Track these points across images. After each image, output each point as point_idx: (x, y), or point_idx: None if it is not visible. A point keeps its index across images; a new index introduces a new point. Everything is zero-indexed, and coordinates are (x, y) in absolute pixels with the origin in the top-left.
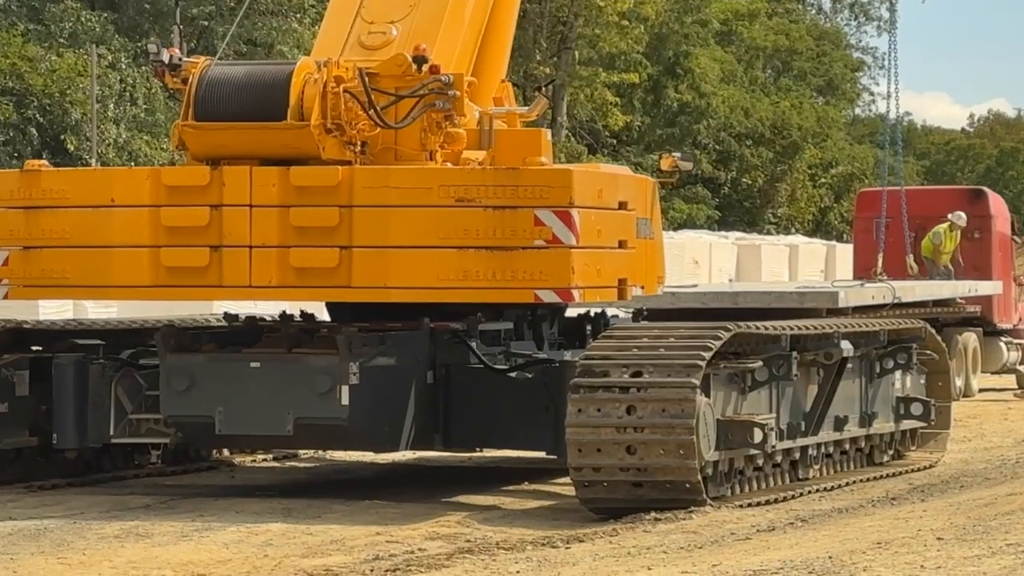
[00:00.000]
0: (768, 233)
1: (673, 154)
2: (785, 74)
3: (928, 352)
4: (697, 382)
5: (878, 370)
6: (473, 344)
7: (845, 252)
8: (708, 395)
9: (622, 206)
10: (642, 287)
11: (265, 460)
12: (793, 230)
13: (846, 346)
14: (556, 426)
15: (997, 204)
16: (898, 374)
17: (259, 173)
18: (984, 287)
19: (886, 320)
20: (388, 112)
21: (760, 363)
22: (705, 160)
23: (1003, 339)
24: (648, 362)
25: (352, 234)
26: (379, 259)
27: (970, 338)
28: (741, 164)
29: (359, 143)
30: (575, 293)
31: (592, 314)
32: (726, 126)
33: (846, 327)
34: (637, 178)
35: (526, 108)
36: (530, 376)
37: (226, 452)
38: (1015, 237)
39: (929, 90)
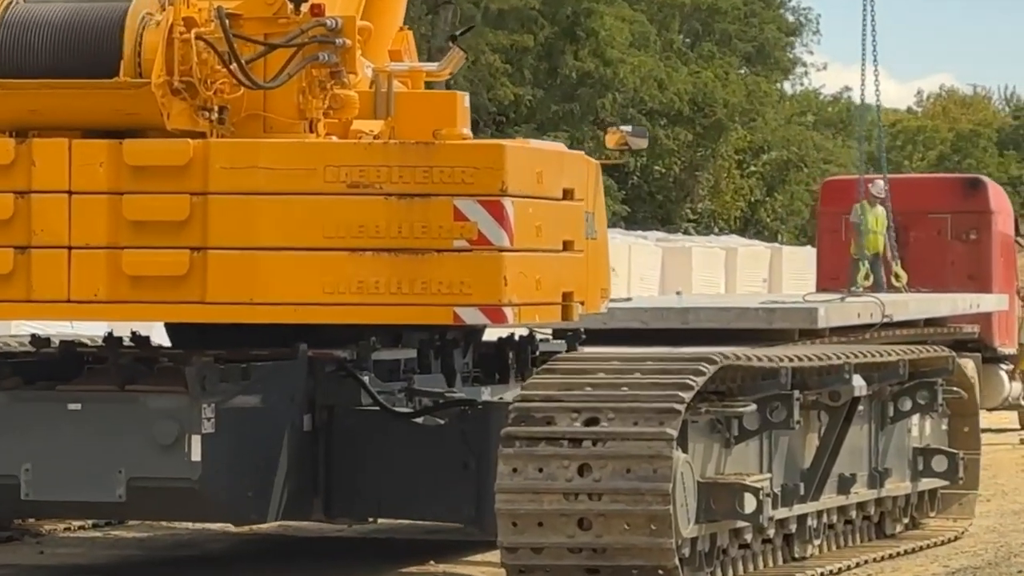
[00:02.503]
0: (686, 232)
1: (621, 128)
2: (706, 38)
3: (955, 390)
4: (674, 432)
5: (892, 413)
6: (365, 378)
7: (793, 257)
8: (686, 449)
9: (568, 195)
10: (582, 303)
11: (84, 528)
12: (716, 229)
13: (858, 383)
14: (480, 490)
15: (998, 197)
16: (915, 418)
17: (81, 148)
18: (988, 301)
19: (908, 348)
20: (255, 67)
21: (753, 406)
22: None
23: (1004, 367)
24: (607, 405)
25: (207, 231)
26: (243, 265)
27: (967, 366)
28: (654, 148)
29: (216, 108)
30: (508, 312)
31: (517, 337)
32: (636, 101)
33: (859, 357)
34: (583, 158)
35: (435, 64)
36: (442, 422)
37: (32, 519)
38: (1019, 239)
39: (855, 62)
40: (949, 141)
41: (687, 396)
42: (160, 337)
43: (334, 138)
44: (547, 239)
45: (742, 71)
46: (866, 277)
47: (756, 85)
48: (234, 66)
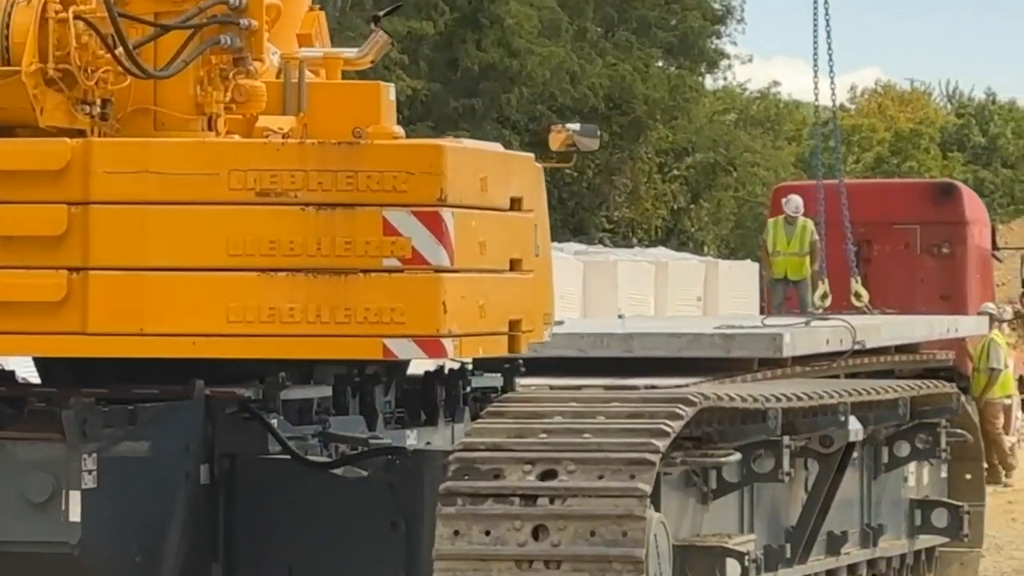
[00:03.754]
0: (601, 243)
1: (568, 127)
2: (623, 26)
3: (959, 432)
4: (647, 488)
5: (887, 459)
6: (273, 421)
7: (730, 273)
8: (659, 507)
9: (515, 205)
10: (531, 331)
11: None
12: (635, 240)
13: (854, 426)
14: (412, 555)
15: (974, 205)
16: (912, 465)
17: None
18: (967, 325)
19: (908, 384)
20: (145, 52)
21: (735, 455)
22: (516, 143)
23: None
24: (567, 455)
25: (88, 248)
26: (130, 288)
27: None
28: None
29: (99, 102)
30: (447, 344)
31: (446, 371)
32: (545, 96)
33: (854, 395)
34: (530, 162)
35: (355, 50)
36: (365, 473)
37: None
38: (996, 253)
39: (780, 55)
40: (887, 142)
41: (662, 444)
42: (28, 373)
43: (237, 137)
44: (492, 257)
45: (663, 63)
46: (823, 297)
47: (679, 79)
48: (120, 51)
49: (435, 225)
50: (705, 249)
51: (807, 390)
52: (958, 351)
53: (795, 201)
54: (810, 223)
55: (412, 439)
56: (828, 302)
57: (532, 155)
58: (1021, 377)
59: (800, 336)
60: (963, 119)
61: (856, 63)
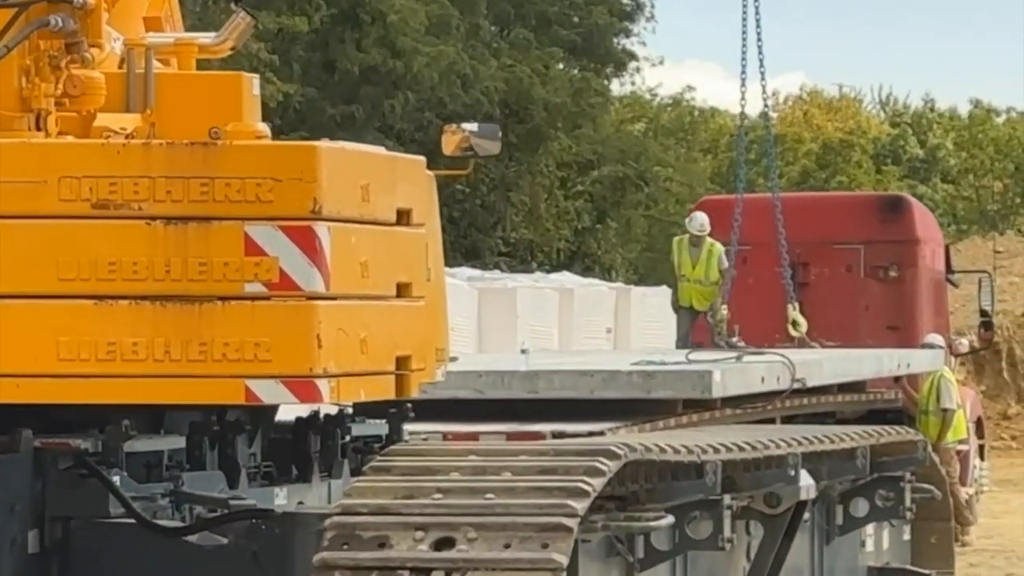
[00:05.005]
0: (497, 268)
1: (464, 127)
2: (520, 23)
3: (925, 487)
4: (564, 559)
5: (841, 520)
6: (115, 478)
7: (644, 301)
8: None
9: (403, 218)
10: (421, 369)
11: None
12: (535, 264)
13: (806, 482)
14: None
15: (925, 222)
16: (871, 527)
17: None
18: (920, 359)
19: (865, 431)
20: None
21: (667, 518)
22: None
23: None
24: (467, 519)
25: None
26: None
27: None
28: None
29: None
30: (323, 387)
31: (322, 418)
32: (433, 102)
33: (805, 444)
34: (420, 167)
35: (212, 35)
36: (225, 541)
37: None
38: (951, 277)
39: (691, 58)
40: (814, 153)
41: (580, 506)
42: None
43: (71, 138)
44: (376, 281)
45: (565, 65)
46: (721, 321)
47: (583, 82)
48: None
49: (307, 242)
50: (613, 274)
51: (750, 439)
52: (901, 390)
53: (699, 219)
54: (718, 247)
55: (281, 499)
56: (724, 326)
57: (423, 159)
58: (979, 420)
59: (731, 374)
60: (898, 129)
61: (778, 67)
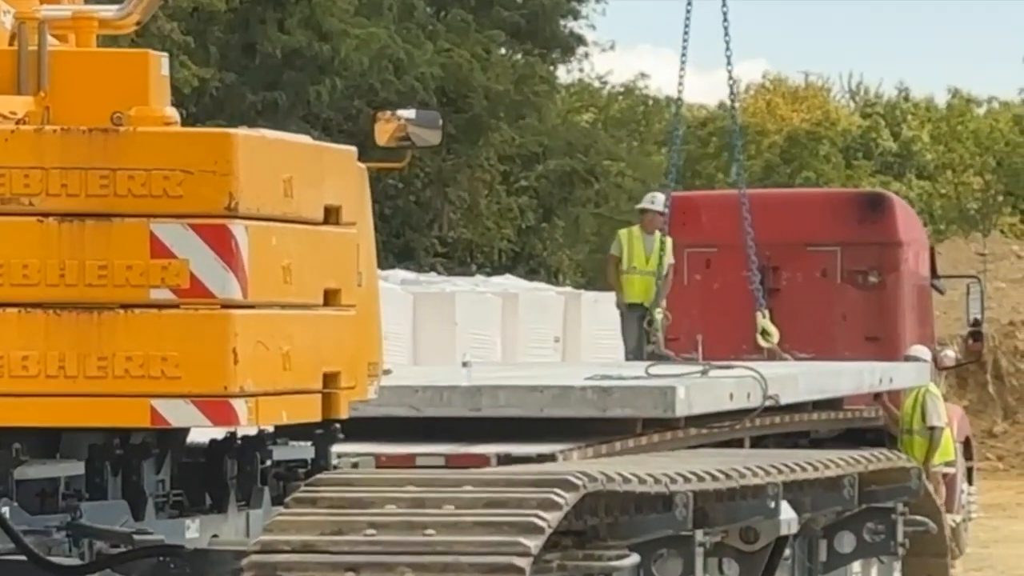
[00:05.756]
0: (433, 271)
1: (399, 114)
2: (459, 4)
3: (919, 519)
4: None
5: (825, 557)
6: (4, 510)
7: (596, 307)
8: None
9: (332, 216)
10: (352, 387)
11: None
12: (474, 266)
13: (787, 515)
14: None
15: (908, 222)
16: (858, 565)
17: None
18: (904, 374)
19: (852, 456)
20: None
21: (632, 557)
22: None
23: None
24: (404, 559)
25: None
26: None
27: None
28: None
29: None
30: (240, 407)
31: (239, 441)
32: (363, 89)
33: (785, 472)
34: (350, 159)
35: (115, 8)
36: None
37: None
38: (936, 283)
39: (644, 43)
40: (778, 146)
41: (534, 544)
42: None
43: None
44: (301, 287)
45: (507, 50)
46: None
47: (528, 68)
48: None
49: (222, 243)
50: (561, 277)
51: (724, 466)
52: (882, 407)
53: (661, 196)
54: (669, 240)
55: (193, 532)
56: (661, 334)
57: (353, 149)
58: (967, 440)
59: (697, 390)
60: (870, 120)
61: (737, 54)
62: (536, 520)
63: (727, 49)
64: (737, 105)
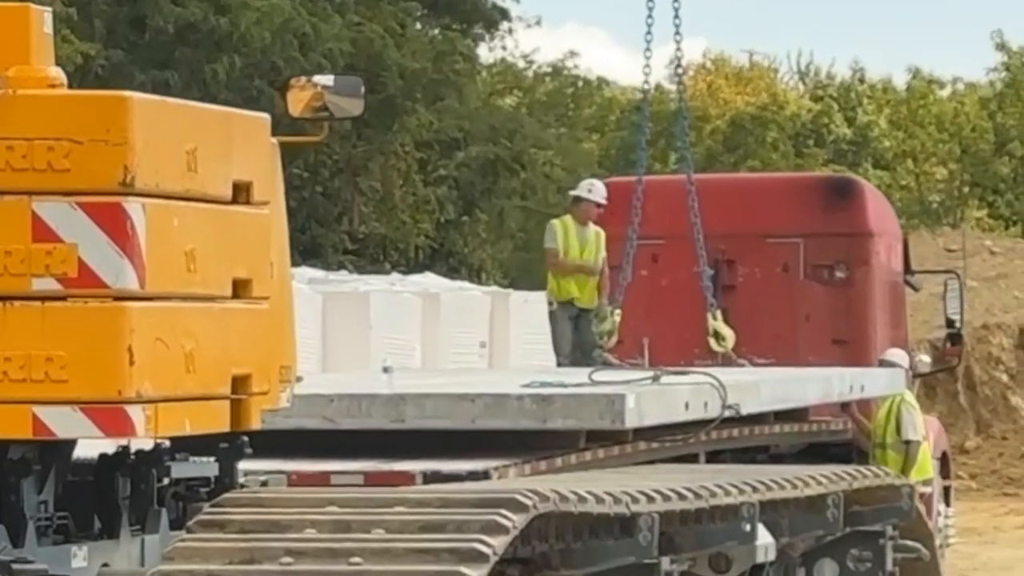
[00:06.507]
0: (343, 268)
1: (316, 80)
2: None
3: (910, 545)
4: None
5: None
6: None
7: (526, 308)
8: None
9: (241, 194)
10: (264, 393)
11: None
12: (388, 264)
13: (764, 539)
14: None
15: (880, 211)
16: None
17: None
18: (877, 381)
19: (834, 472)
20: None
21: None
22: None
23: None
24: None
25: None
26: None
27: None
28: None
29: None
30: (136, 416)
31: (133, 455)
32: (265, 67)
33: (761, 490)
34: (263, 128)
35: None
36: None
37: None
38: (910, 279)
39: (571, 20)
40: (721, 132)
41: (477, 574)
42: None
43: None
44: (206, 276)
45: (424, 25)
46: (609, 334)
47: (447, 44)
48: None
49: (115, 225)
50: (484, 276)
51: (692, 484)
52: (850, 418)
53: (600, 186)
54: (602, 232)
55: (80, 561)
56: (614, 341)
57: (267, 117)
58: (945, 455)
59: (649, 399)
60: (821, 104)
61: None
62: (479, 546)
63: (676, 17)
64: (684, 80)
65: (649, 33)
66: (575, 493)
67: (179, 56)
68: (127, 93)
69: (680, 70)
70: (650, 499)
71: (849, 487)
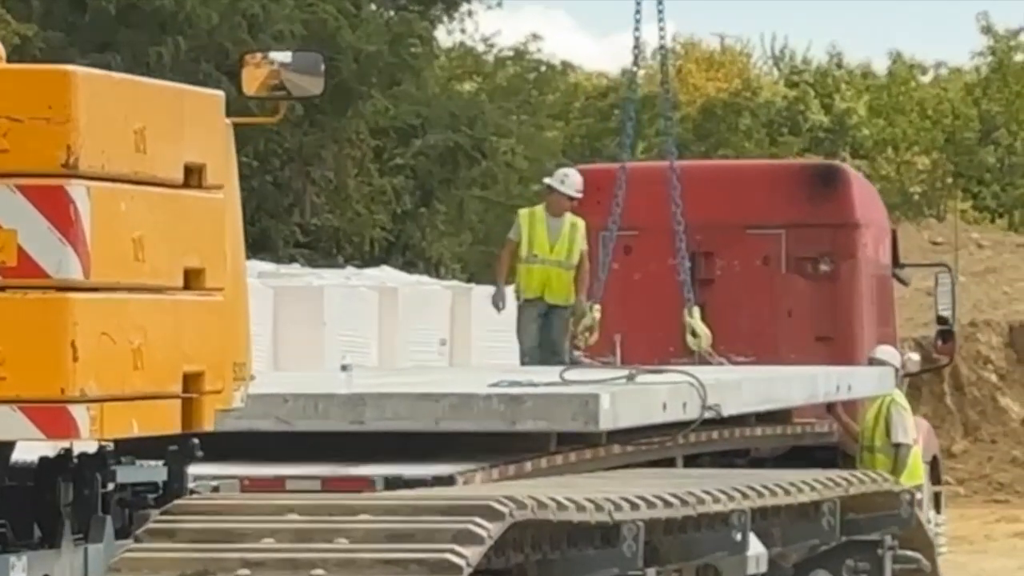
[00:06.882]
0: (293, 262)
1: (270, 58)
2: None
3: (909, 555)
4: None
5: None
6: None
7: (489, 304)
8: None
9: (194, 177)
10: (218, 392)
11: None
12: (341, 258)
13: (756, 549)
14: None
15: (866, 200)
16: None
17: None
18: (865, 380)
19: (831, 477)
20: None
21: None
22: None
23: None
24: None
25: None
26: None
27: None
28: (237, 131)
29: None
30: (79, 417)
31: (76, 458)
32: (212, 50)
33: (752, 496)
34: (216, 105)
35: None
36: None
37: None
38: (899, 272)
39: (532, 3)
40: (692, 119)
41: None
42: None
43: None
44: (156, 266)
45: (379, 6)
46: (588, 330)
47: (404, 26)
48: None
49: (58, 209)
50: (443, 271)
51: (677, 489)
52: (836, 420)
53: (575, 177)
54: (582, 222)
55: (19, 571)
56: (595, 339)
57: (221, 94)
58: (935, 459)
59: (624, 399)
60: (797, 90)
61: (627, 20)
62: (451, 557)
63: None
64: (670, 64)
65: (638, 12)
66: (554, 500)
67: (121, 38)
68: (70, 67)
69: (664, 50)
70: (634, 506)
71: (845, 493)
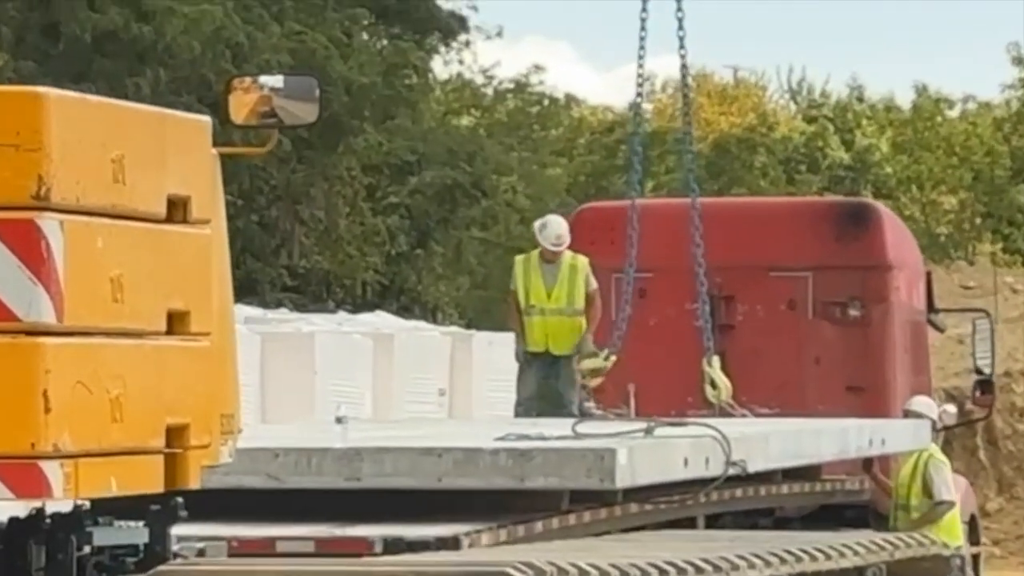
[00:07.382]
0: (280, 306)
1: (260, 83)
2: None
3: None
4: None
5: None
6: None
7: (491, 350)
8: None
9: (177, 211)
10: (205, 447)
11: None
12: (332, 303)
13: None
14: None
15: (899, 241)
16: None
17: None
18: (900, 433)
19: (873, 541)
20: None
21: None
22: None
23: None
24: None
25: None
26: None
27: None
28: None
29: None
30: (52, 474)
31: (48, 518)
32: (194, 81)
33: (787, 559)
34: (203, 133)
35: None
36: None
37: None
38: (934, 318)
39: (532, 33)
40: (704, 156)
41: None
42: None
43: None
44: (136, 308)
45: (372, 34)
46: (593, 373)
47: (399, 56)
48: None
49: (28, 246)
50: (439, 316)
51: (708, 554)
52: (871, 477)
53: (554, 226)
54: (583, 260)
55: None
56: (596, 383)
57: (207, 120)
58: (973, 518)
59: (642, 454)
60: (816, 125)
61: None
62: None
63: (680, 29)
64: (689, 93)
65: (642, 44)
66: (575, 566)
67: (97, 68)
68: (42, 89)
69: (686, 78)
70: (663, 572)
71: (891, 557)
